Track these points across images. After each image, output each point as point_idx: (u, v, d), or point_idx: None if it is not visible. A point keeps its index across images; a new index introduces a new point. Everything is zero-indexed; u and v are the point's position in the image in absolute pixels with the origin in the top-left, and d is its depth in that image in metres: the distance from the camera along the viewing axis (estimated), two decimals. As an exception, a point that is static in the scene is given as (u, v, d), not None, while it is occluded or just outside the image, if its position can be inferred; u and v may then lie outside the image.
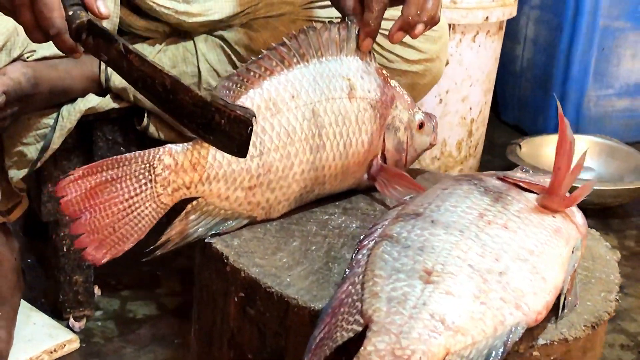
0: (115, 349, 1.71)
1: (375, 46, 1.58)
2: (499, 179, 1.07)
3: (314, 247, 1.06)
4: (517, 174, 1.09)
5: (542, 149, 2.75)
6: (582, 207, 2.58)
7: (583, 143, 2.79)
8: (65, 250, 1.71)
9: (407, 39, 1.61)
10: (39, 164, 1.55)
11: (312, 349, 0.88)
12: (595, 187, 2.51)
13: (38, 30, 1.02)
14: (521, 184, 1.05)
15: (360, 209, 1.17)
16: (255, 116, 1.00)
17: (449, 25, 2.25)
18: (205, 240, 1.06)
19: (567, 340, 0.93)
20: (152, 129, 1.61)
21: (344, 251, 1.06)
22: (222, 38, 1.60)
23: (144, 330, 1.77)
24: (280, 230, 1.09)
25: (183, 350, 1.71)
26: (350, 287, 0.93)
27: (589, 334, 0.95)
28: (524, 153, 2.66)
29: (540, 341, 0.91)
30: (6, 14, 1.04)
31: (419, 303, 0.87)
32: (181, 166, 1.04)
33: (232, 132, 1.00)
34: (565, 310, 0.94)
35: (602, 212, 2.54)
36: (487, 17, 2.34)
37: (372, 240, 0.98)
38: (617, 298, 1.02)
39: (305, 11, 1.62)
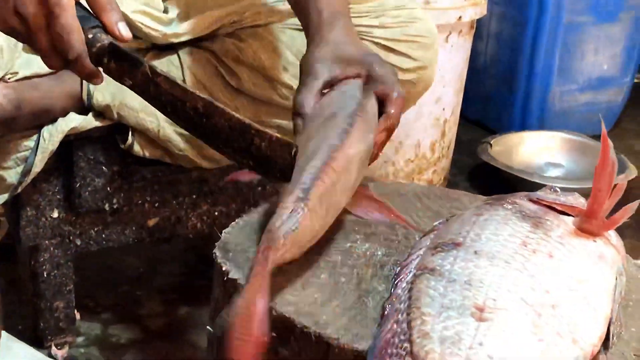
0: (103, 377, 1.64)
1: None
2: (532, 200, 1.03)
3: (343, 280, 1.01)
4: (549, 195, 1.06)
5: (513, 147, 2.75)
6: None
7: (552, 139, 2.80)
8: (45, 275, 1.63)
9: (402, 47, 1.57)
10: (19, 189, 1.47)
11: (362, 395, 0.84)
12: (571, 186, 2.52)
13: (55, 55, 0.95)
14: (556, 206, 1.01)
15: (382, 233, 1.12)
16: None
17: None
18: (229, 276, 1.00)
19: (619, 373, 0.90)
20: (137, 147, 1.54)
21: (375, 283, 1.01)
22: (208, 50, 1.54)
23: (130, 356, 1.70)
24: (304, 262, 1.04)
25: (174, 376, 1.65)
26: (395, 325, 0.88)
27: (639, 363, 0.92)
28: (496, 151, 2.64)
29: (594, 375, 0.88)
30: (20, 40, 0.97)
31: (475, 343, 0.83)
32: None
33: (274, 155, 0.94)
34: (614, 339, 0.91)
35: (575, 210, 2.54)
36: (460, 17, 2.31)
37: (410, 273, 0.94)
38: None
39: (293, 19, 1.56)
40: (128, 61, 0.92)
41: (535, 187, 2.50)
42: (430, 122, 2.41)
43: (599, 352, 0.88)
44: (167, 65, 1.53)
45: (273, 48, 1.53)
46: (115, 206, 1.62)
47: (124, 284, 1.94)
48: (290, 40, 1.55)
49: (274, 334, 0.95)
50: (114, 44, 0.92)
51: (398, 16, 1.58)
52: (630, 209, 0.96)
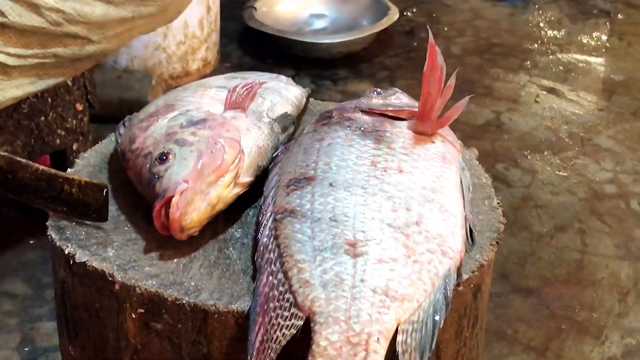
0: None
1: None
2: (364, 112, 1.03)
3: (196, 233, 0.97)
4: (374, 101, 1.05)
5: (276, 6, 2.71)
6: (330, 58, 2.61)
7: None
8: None
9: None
10: None
11: (255, 356, 0.82)
12: (343, 40, 2.54)
13: None
14: (389, 113, 1.01)
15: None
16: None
17: None
18: (76, 260, 0.93)
19: (483, 266, 0.94)
20: None
21: (230, 229, 0.98)
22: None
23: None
24: (149, 222, 0.98)
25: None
26: (270, 278, 0.87)
27: (495, 250, 0.97)
28: (262, 14, 2.61)
29: (464, 276, 0.92)
30: None
31: (357, 280, 0.83)
32: None
33: (86, 198, 0.94)
34: (475, 236, 0.95)
35: (350, 60, 2.59)
36: None
37: (270, 217, 0.92)
38: (499, 202, 1.05)
39: None
40: None
41: (305, 45, 2.51)
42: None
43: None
44: None
45: None
46: None
47: None
48: None
49: (141, 310, 0.91)
50: None
51: None
52: (459, 107, 0.97)
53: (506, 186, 2.01)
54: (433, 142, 0.99)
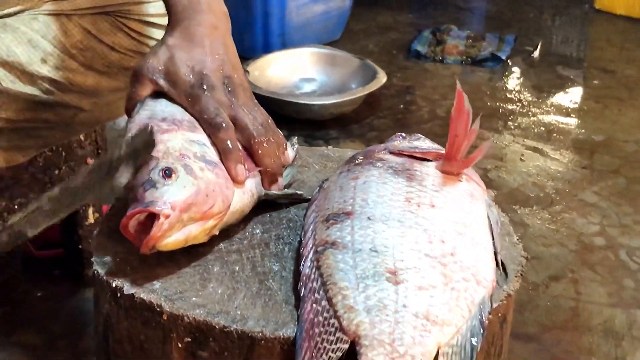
0: None
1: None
2: (393, 153, 1.09)
3: (237, 268, 1.01)
4: (401, 144, 1.12)
5: (267, 70, 2.80)
6: (322, 119, 2.70)
7: (301, 56, 2.89)
8: None
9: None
10: None
11: (303, 380, 0.87)
12: (335, 101, 2.63)
13: None
14: (417, 154, 1.08)
15: (253, 209, 1.13)
16: None
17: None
18: (125, 292, 0.97)
19: (510, 295, 1.00)
20: None
21: (268, 263, 1.03)
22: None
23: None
24: (190, 257, 1.03)
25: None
26: (315, 305, 0.91)
27: (520, 282, 1.03)
28: (254, 78, 2.68)
29: (494, 305, 0.97)
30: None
31: (399, 306, 0.88)
32: None
33: None
34: (506, 269, 1.01)
35: (340, 121, 2.67)
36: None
37: (312, 249, 0.97)
38: (519, 237, 1.11)
39: (47, 5, 1.43)
40: None
41: (298, 106, 2.59)
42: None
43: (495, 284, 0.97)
44: None
45: (28, 39, 1.41)
46: None
47: None
48: (45, 27, 1.43)
49: (188, 339, 0.95)
50: None
51: None
52: (484, 148, 1.03)
53: (499, 239, 2.07)
54: (460, 181, 1.05)
